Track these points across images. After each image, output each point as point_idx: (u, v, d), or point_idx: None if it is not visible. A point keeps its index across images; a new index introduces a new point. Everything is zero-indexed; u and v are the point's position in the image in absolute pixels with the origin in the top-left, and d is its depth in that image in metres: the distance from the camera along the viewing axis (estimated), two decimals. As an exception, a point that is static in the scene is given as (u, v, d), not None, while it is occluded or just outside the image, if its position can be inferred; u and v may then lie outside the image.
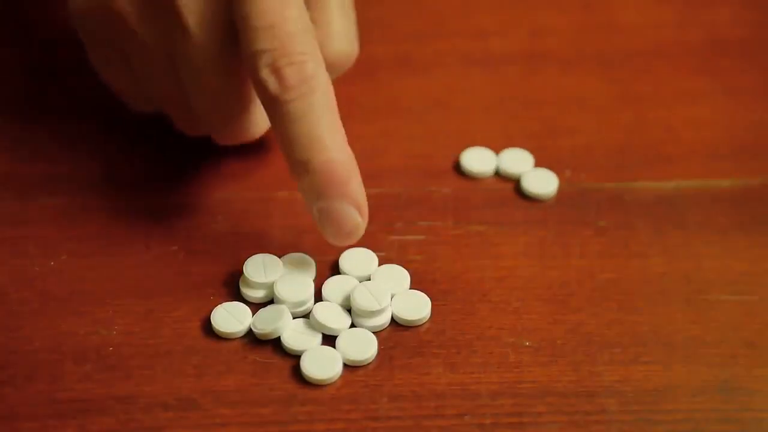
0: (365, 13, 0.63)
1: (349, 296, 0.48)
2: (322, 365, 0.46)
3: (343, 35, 0.51)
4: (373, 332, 0.47)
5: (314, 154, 0.45)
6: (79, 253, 0.50)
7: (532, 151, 0.56)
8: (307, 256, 0.50)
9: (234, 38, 0.47)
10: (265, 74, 0.46)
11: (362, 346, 0.47)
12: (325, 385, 0.46)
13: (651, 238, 0.52)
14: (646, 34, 0.63)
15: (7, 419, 0.44)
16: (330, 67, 0.49)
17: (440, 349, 0.47)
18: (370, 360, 0.47)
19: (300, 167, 0.46)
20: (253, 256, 0.49)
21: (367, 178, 0.53)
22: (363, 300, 0.47)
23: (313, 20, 0.49)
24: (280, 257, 0.49)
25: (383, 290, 0.48)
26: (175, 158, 0.54)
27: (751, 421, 0.45)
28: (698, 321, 0.49)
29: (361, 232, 0.47)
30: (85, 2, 0.50)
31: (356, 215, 0.46)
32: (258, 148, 0.54)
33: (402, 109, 0.58)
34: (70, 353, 0.47)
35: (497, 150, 0.56)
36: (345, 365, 0.46)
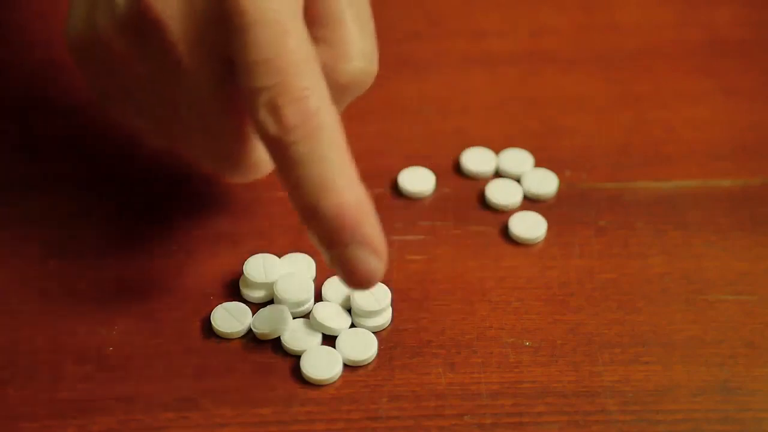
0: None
1: (349, 296, 0.48)
2: (322, 365, 0.46)
3: (360, 52, 0.46)
4: (373, 332, 0.47)
5: (322, 198, 0.41)
6: (79, 253, 0.50)
7: (532, 151, 0.56)
8: (307, 256, 0.50)
9: (231, 73, 0.43)
10: (263, 114, 0.41)
11: (362, 346, 0.47)
12: (325, 385, 0.46)
13: (651, 238, 0.52)
14: (646, 34, 0.63)
15: (7, 419, 0.44)
16: (347, 88, 0.46)
17: (440, 349, 0.47)
18: (370, 360, 0.47)
19: (307, 213, 0.42)
20: (253, 256, 0.49)
21: (367, 178, 0.53)
22: (363, 300, 0.47)
23: (326, 39, 0.46)
24: (280, 257, 0.49)
25: (383, 290, 0.48)
26: (175, 158, 0.54)
27: (751, 421, 0.45)
28: (698, 321, 0.49)
29: (380, 275, 0.42)
30: (79, 36, 0.47)
31: (373, 259, 0.42)
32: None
33: (402, 109, 0.58)
34: (70, 353, 0.47)
35: (497, 150, 0.56)
36: (345, 365, 0.46)
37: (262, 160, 0.46)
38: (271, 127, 0.41)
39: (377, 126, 0.57)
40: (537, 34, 0.63)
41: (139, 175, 0.54)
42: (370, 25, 0.47)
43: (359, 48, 0.46)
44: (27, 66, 0.59)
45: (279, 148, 0.42)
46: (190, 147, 0.47)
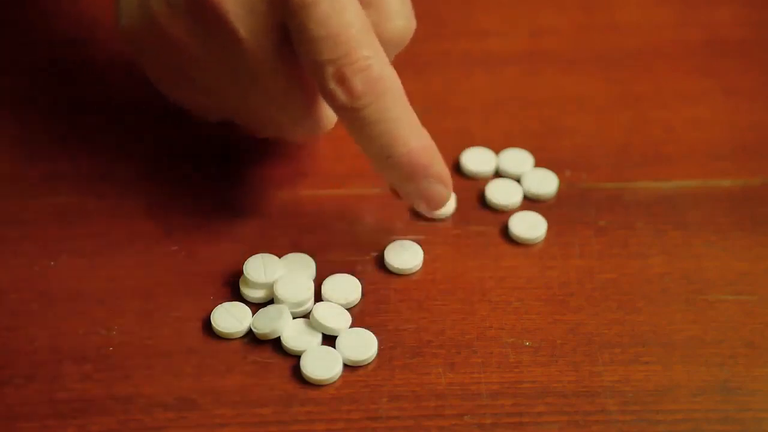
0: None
1: (349, 296, 0.48)
2: (322, 365, 0.46)
3: (399, 12, 0.50)
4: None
5: (394, 149, 0.47)
6: (79, 253, 0.50)
7: (532, 151, 0.56)
8: (307, 256, 0.50)
9: (288, 41, 0.47)
10: (333, 85, 0.46)
11: (362, 346, 0.47)
12: (325, 385, 0.46)
13: (651, 238, 0.52)
14: (646, 34, 0.63)
15: (7, 419, 0.44)
16: (389, 44, 0.49)
17: (440, 349, 0.47)
18: (370, 360, 0.47)
19: (382, 163, 0.47)
20: (253, 256, 0.49)
21: (368, 178, 0.54)
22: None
23: (370, 2, 0.49)
24: (280, 257, 0.49)
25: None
26: (176, 159, 0.54)
27: (751, 421, 0.45)
28: (698, 321, 0.49)
29: (449, 199, 0.49)
30: (135, 24, 0.49)
31: (442, 188, 0.48)
32: (258, 148, 0.54)
33: (402, 109, 0.58)
34: (70, 353, 0.47)
35: (497, 150, 0.56)
36: (345, 365, 0.46)
37: (326, 116, 0.49)
38: (342, 97, 0.46)
39: (377, 126, 0.57)
40: (537, 34, 0.63)
41: (139, 175, 0.54)
42: None
43: (398, 8, 0.50)
44: (27, 66, 0.59)
45: (350, 114, 0.46)
46: (253, 117, 0.50)
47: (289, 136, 0.51)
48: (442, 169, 0.48)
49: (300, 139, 0.52)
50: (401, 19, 0.50)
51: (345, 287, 0.49)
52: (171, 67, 0.50)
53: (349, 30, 0.46)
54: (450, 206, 0.52)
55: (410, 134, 0.47)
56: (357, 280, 0.49)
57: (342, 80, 0.46)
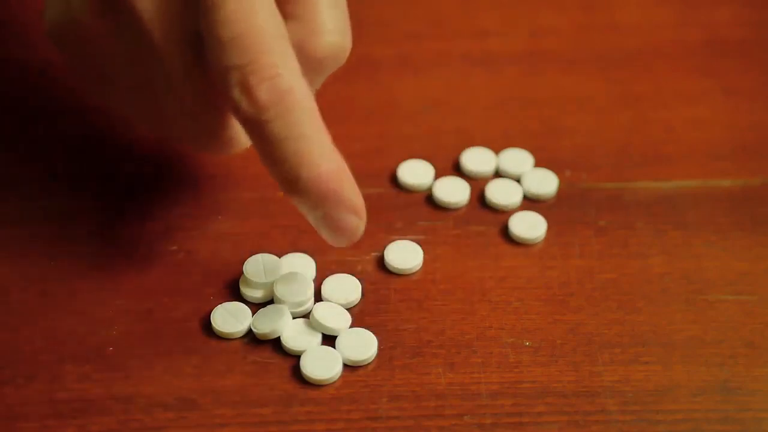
0: (365, 13, 0.63)
1: (348, 296, 0.48)
2: (321, 365, 0.46)
3: (332, 27, 0.46)
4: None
5: (302, 171, 0.42)
6: (79, 253, 0.50)
7: (532, 151, 0.56)
8: (307, 256, 0.50)
9: (202, 50, 0.44)
10: (237, 94, 0.42)
11: (362, 346, 0.47)
12: (324, 385, 0.46)
13: (651, 238, 0.52)
14: (646, 34, 0.63)
15: (6, 419, 0.44)
16: (321, 63, 0.46)
17: (440, 349, 0.47)
18: (370, 360, 0.47)
19: (289, 186, 0.43)
20: (253, 256, 0.49)
21: (367, 178, 0.54)
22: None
23: (297, 15, 0.45)
24: (280, 257, 0.49)
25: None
26: (176, 158, 0.54)
27: (751, 421, 0.45)
28: (698, 321, 0.49)
29: (361, 232, 0.45)
30: (57, 21, 0.47)
31: (353, 219, 0.44)
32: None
33: (402, 109, 0.58)
34: (70, 353, 0.47)
35: (497, 150, 0.56)
36: (345, 365, 0.46)
37: (238, 135, 0.46)
38: (245, 107, 0.42)
39: (377, 126, 0.57)
40: (537, 34, 0.63)
41: (139, 175, 0.54)
42: (342, 1, 0.47)
43: (331, 23, 0.46)
44: (27, 66, 0.59)
45: (255, 127, 0.42)
46: (169, 127, 0.47)
47: (206, 150, 0.48)
48: (355, 197, 0.44)
49: (217, 154, 0.48)
50: (333, 35, 0.46)
51: (345, 287, 0.49)
52: (92, 67, 0.48)
53: (259, 34, 0.42)
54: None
55: (321, 156, 0.42)
56: (357, 280, 0.49)
57: (246, 88, 0.42)
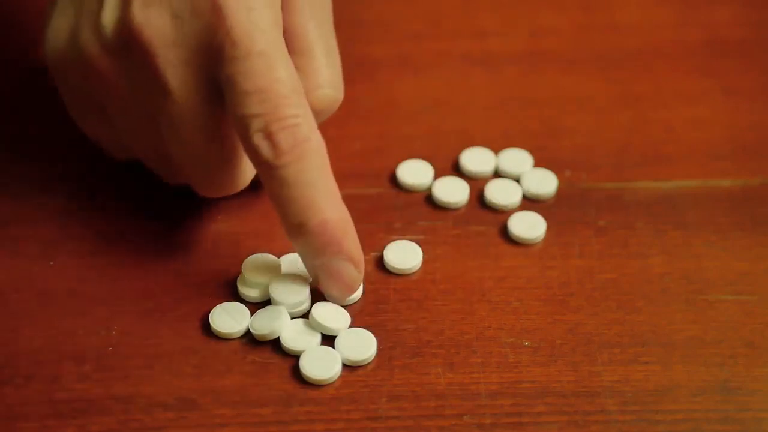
0: (365, 13, 0.63)
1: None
2: (321, 365, 0.46)
3: (329, 81, 0.50)
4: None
5: (309, 216, 0.45)
6: (79, 253, 0.50)
7: (531, 151, 0.56)
8: (306, 256, 0.50)
9: (217, 96, 0.46)
10: (258, 139, 0.45)
11: (362, 346, 0.47)
12: (324, 385, 0.46)
13: (651, 238, 0.52)
14: (646, 34, 0.63)
15: (6, 419, 0.44)
16: (318, 114, 0.49)
17: (439, 349, 0.47)
18: (370, 360, 0.47)
19: (295, 230, 0.46)
20: (252, 256, 0.49)
21: (367, 178, 0.54)
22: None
23: (300, 68, 0.49)
24: (279, 257, 0.49)
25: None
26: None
27: (751, 421, 0.45)
28: (698, 321, 0.49)
29: (359, 284, 0.48)
30: (63, 53, 0.48)
31: (353, 270, 0.47)
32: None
33: (402, 109, 0.58)
34: (70, 353, 0.47)
35: (497, 150, 0.56)
36: (344, 365, 0.46)
37: (241, 177, 0.49)
38: (265, 151, 0.45)
39: (377, 126, 0.57)
40: (537, 34, 0.63)
41: (139, 175, 0.54)
42: (337, 57, 0.51)
43: (328, 77, 0.50)
44: (27, 66, 0.59)
45: (271, 171, 0.45)
46: (166, 166, 0.49)
47: (200, 189, 0.50)
48: (356, 249, 0.46)
49: (211, 194, 0.50)
50: (330, 89, 0.50)
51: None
52: (91, 102, 0.49)
53: (281, 87, 0.45)
54: (357, 293, 0.49)
55: (327, 204, 0.45)
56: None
57: (268, 135, 0.45)
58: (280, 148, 0.45)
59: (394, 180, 0.54)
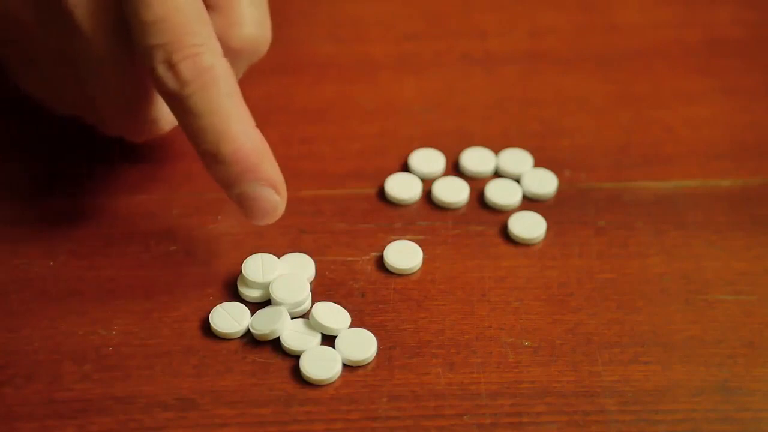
0: (365, 13, 0.63)
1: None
2: (321, 365, 0.46)
3: (250, 19, 0.49)
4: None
5: (222, 145, 0.45)
6: (78, 253, 0.50)
7: (531, 151, 0.56)
8: (306, 256, 0.50)
9: (126, 32, 0.46)
10: (161, 70, 0.45)
11: (362, 346, 0.47)
12: (324, 385, 0.46)
13: (650, 238, 0.52)
14: (646, 34, 0.63)
15: (6, 419, 0.44)
16: (239, 54, 0.49)
17: (439, 349, 0.47)
18: (370, 360, 0.47)
19: (210, 158, 0.46)
20: (252, 256, 0.49)
21: (367, 178, 0.54)
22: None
23: (216, 6, 0.48)
24: (279, 257, 0.49)
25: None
26: (175, 158, 0.54)
27: (751, 421, 0.45)
28: (697, 321, 0.49)
29: (281, 209, 0.47)
30: None
31: (273, 194, 0.46)
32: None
33: (402, 109, 0.58)
34: (70, 353, 0.47)
35: (496, 150, 0.56)
36: (344, 365, 0.46)
37: (161, 116, 0.49)
38: (169, 82, 0.45)
39: (377, 126, 0.57)
40: (537, 34, 0.63)
41: (139, 175, 0.54)
42: None
43: (250, 15, 0.49)
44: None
45: (178, 102, 0.45)
46: (92, 111, 0.49)
47: (130, 133, 0.50)
48: (274, 173, 0.46)
49: (138, 138, 0.50)
50: (252, 27, 0.49)
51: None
52: (23, 56, 0.50)
53: (181, 16, 0.45)
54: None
55: (239, 132, 0.45)
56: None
57: (170, 65, 0.45)
58: (183, 77, 0.45)
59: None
